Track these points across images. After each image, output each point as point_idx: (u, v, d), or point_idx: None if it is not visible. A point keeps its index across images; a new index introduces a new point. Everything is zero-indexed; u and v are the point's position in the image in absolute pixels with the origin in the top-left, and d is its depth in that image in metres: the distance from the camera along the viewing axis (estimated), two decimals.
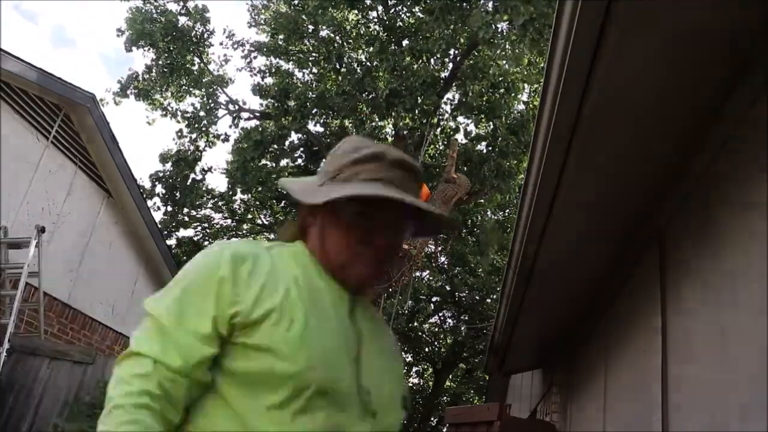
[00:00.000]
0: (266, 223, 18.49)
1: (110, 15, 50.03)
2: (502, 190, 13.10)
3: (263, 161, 14.99)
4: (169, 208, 15.39)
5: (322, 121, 14.66)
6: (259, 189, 15.12)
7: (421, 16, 12.72)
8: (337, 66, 14.33)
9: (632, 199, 2.89)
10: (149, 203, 12.45)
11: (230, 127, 17.21)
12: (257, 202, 17.08)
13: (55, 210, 6.60)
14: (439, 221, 1.26)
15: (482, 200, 14.06)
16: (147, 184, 14.97)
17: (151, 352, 0.98)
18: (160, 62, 14.77)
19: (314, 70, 15.26)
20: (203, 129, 15.72)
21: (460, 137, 14.01)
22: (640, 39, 1.89)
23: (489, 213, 15.48)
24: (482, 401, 15.70)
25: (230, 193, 16.63)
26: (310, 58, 15.11)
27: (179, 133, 15.79)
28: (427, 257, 13.88)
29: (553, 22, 2.01)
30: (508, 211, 15.63)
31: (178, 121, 15.76)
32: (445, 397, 18.18)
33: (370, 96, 12.92)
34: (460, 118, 14.09)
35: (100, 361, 5.13)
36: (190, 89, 15.63)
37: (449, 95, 13.96)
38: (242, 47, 15.81)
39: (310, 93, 13.49)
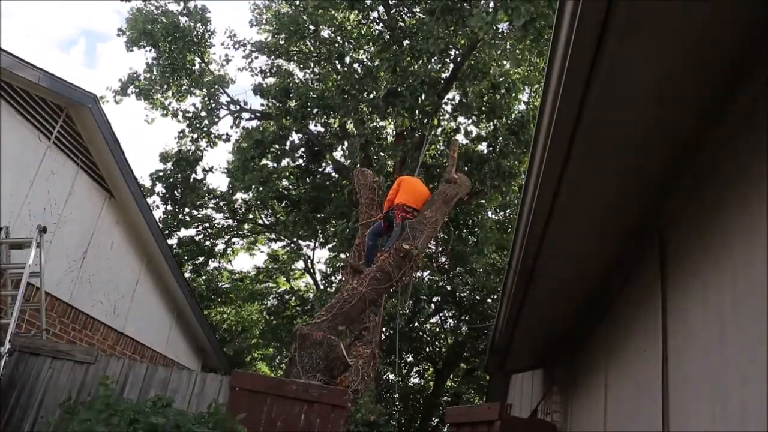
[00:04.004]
0: (267, 223, 18.50)
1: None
2: (503, 191, 13.10)
3: (264, 161, 15.01)
4: (169, 207, 15.41)
5: (322, 121, 14.67)
6: (260, 189, 15.12)
7: (422, 16, 12.72)
8: (338, 66, 14.34)
9: (633, 199, 2.89)
10: (148, 201, 12.45)
11: (231, 127, 17.27)
12: (258, 202, 17.08)
13: (56, 210, 6.61)
14: None
15: (483, 200, 14.07)
16: (147, 183, 15.02)
17: None
18: (161, 62, 14.79)
19: (315, 70, 15.27)
20: (204, 129, 15.73)
21: (460, 137, 14.02)
22: (640, 40, 1.89)
23: (489, 213, 15.49)
24: (483, 401, 15.70)
25: (231, 192, 16.64)
26: (311, 58, 15.12)
27: (180, 133, 15.83)
28: (427, 257, 13.88)
29: (553, 22, 2.02)
30: (508, 211, 15.63)
31: (179, 121, 15.81)
32: (445, 397, 18.18)
33: (371, 96, 12.93)
34: (461, 119, 14.11)
35: (102, 361, 5.14)
36: (191, 89, 15.65)
37: (450, 95, 13.98)
38: (243, 47, 15.84)
39: (311, 93, 13.50)
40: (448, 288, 15.62)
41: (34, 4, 47.13)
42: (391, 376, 15.53)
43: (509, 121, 12.68)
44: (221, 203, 17.13)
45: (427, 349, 17.71)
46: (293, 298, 19.55)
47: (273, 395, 4.72)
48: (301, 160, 15.64)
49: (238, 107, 15.79)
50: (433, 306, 16.56)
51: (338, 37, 14.59)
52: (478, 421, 4.82)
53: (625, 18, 1.77)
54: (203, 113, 15.61)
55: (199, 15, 15.08)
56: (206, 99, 15.42)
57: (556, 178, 2.60)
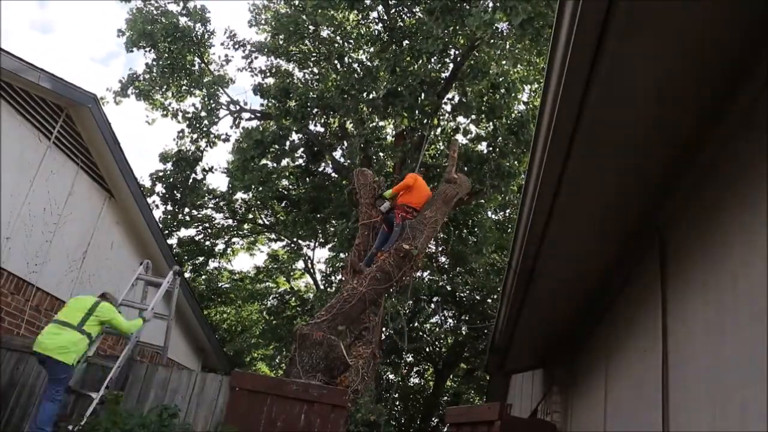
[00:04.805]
0: (267, 223, 18.49)
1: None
2: (502, 191, 13.10)
3: (264, 161, 15.00)
4: (169, 207, 15.41)
5: (322, 121, 14.67)
6: (260, 189, 15.12)
7: (421, 16, 12.72)
8: (338, 66, 14.34)
9: (633, 199, 2.89)
10: (148, 201, 12.44)
11: (231, 127, 17.25)
12: (258, 202, 17.08)
13: (56, 210, 6.61)
14: None
15: (482, 200, 14.06)
16: (147, 183, 15.02)
17: None
18: (161, 63, 14.78)
19: (315, 70, 15.27)
20: (204, 129, 15.73)
21: (460, 137, 14.02)
22: (640, 40, 1.89)
23: (489, 213, 15.49)
24: (483, 401, 15.70)
25: (231, 192, 16.64)
26: (311, 58, 15.12)
27: (180, 133, 15.83)
28: (427, 257, 13.88)
29: (553, 22, 2.02)
30: (508, 211, 15.63)
31: (179, 121, 15.80)
32: (445, 397, 18.17)
33: (371, 96, 12.93)
34: (461, 119, 14.10)
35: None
36: (191, 89, 15.64)
37: (449, 95, 13.97)
38: (243, 47, 15.83)
39: (311, 93, 13.50)
40: (448, 288, 15.61)
41: (80, 26, 49.31)
42: (391, 376, 15.53)
43: (509, 121, 12.68)
44: (221, 203, 17.13)
45: (427, 349, 17.70)
46: (293, 298, 19.55)
47: (273, 395, 4.72)
48: (301, 160, 15.63)
49: (237, 107, 15.79)
50: (432, 306, 16.55)
51: (338, 37, 14.59)
52: (478, 421, 4.82)
53: (625, 18, 1.77)
54: (203, 113, 15.60)
55: (199, 15, 15.07)
56: (206, 99, 15.41)
57: (556, 178, 2.60)
